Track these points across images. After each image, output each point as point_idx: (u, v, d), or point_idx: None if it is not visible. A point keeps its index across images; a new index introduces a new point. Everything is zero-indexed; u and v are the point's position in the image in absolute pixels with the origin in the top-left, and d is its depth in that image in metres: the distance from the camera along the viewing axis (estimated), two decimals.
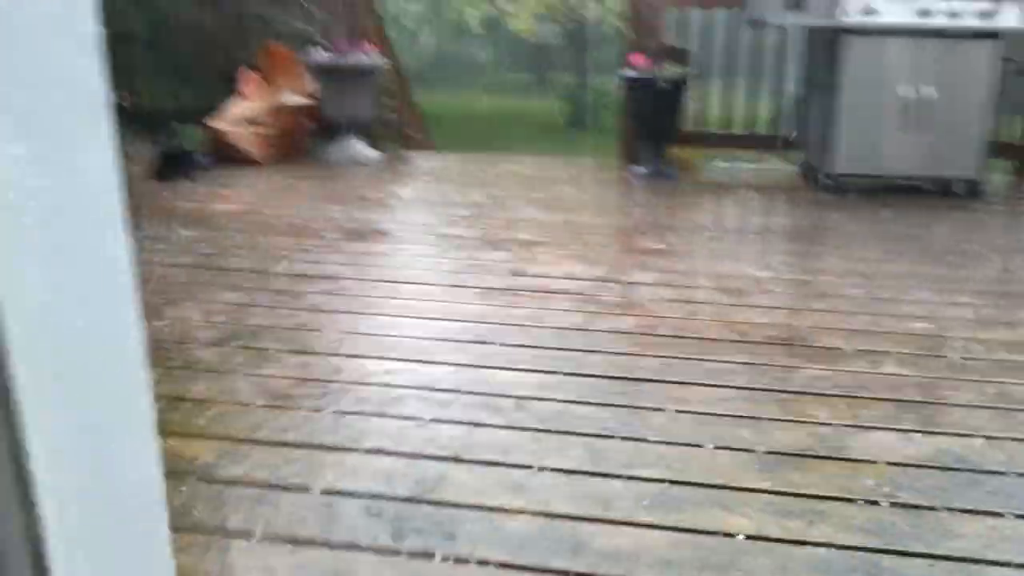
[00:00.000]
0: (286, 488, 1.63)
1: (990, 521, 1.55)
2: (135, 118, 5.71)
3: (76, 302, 0.46)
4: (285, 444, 1.80)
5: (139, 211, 3.65)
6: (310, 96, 5.25)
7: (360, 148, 5.24)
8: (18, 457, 0.41)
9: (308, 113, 5.25)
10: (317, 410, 1.96)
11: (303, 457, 1.75)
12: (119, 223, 0.49)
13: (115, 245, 0.48)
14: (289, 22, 5.59)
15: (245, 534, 1.49)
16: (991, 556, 1.44)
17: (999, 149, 4.86)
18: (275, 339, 2.38)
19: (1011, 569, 1.42)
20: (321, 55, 5.12)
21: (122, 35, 5.83)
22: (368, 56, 5.16)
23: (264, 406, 1.97)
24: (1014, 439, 1.87)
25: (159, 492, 0.54)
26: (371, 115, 5.36)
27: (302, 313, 2.60)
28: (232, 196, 4.24)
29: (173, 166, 4.49)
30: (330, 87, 5.14)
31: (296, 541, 1.47)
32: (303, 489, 1.63)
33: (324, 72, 5.11)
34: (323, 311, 2.62)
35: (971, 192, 4.48)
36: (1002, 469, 1.73)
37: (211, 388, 2.06)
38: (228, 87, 5.44)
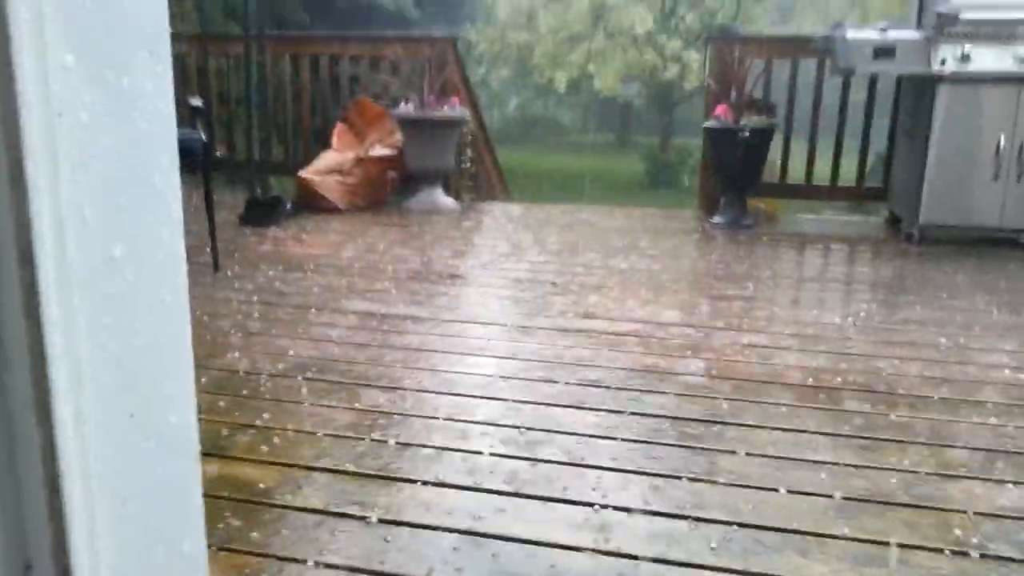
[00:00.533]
0: (343, 516, 1.62)
1: None
2: (230, 169, 6.01)
3: (120, 229, 0.45)
4: (346, 473, 1.80)
5: (225, 252, 3.78)
6: (395, 148, 5.40)
7: (439, 197, 5.34)
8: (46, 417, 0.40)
9: (392, 164, 5.40)
10: (380, 441, 1.95)
11: (363, 487, 1.74)
12: (171, 156, 0.49)
13: (162, 177, 0.48)
14: (381, 80, 5.80)
15: (299, 560, 1.48)
16: None
17: None
18: (343, 373, 2.40)
19: None
20: (408, 109, 5.28)
21: (222, 94, 6.16)
22: (452, 109, 5.29)
23: (328, 435, 1.98)
24: None
25: (195, 443, 0.54)
26: (452, 166, 5.47)
27: (371, 349, 2.62)
28: (313, 241, 4.36)
29: (260, 212, 4.66)
30: (414, 139, 5.27)
31: (351, 569, 1.45)
32: (361, 518, 1.62)
33: (410, 124, 5.25)
34: (392, 348, 2.64)
35: None
36: None
37: (277, 417, 2.09)
38: (322, 143, 5.67)
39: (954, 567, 1.45)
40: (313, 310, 3.05)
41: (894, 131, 4.95)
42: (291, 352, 2.58)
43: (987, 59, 4.15)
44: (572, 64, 20.35)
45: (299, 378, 2.36)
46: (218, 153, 5.92)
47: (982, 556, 1.48)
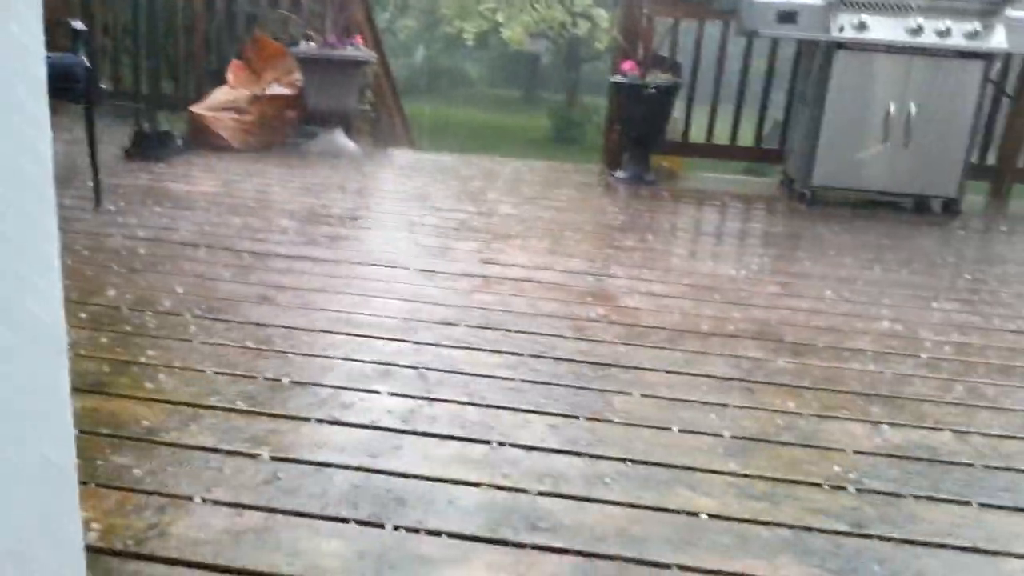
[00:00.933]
0: (233, 453, 1.57)
1: (956, 509, 1.51)
2: (116, 102, 5.65)
3: None
4: (236, 411, 1.74)
5: (108, 187, 3.57)
6: (295, 87, 5.20)
7: (341, 140, 5.19)
8: None
9: (291, 103, 5.20)
10: (273, 380, 1.90)
11: (254, 425, 1.68)
12: (37, 82, 0.43)
13: (34, 104, 0.42)
14: (281, 16, 5.54)
15: (185, 497, 1.42)
16: (954, 541, 1.41)
17: (978, 170, 4.89)
18: (235, 312, 2.31)
19: (975, 554, 1.38)
20: (309, 47, 5.07)
21: (108, 24, 5.77)
22: (356, 49, 5.11)
23: (218, 373, 1.91)
24: (981, 434, 1.83)
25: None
26: (354, 108, 5.31)
27: (266, 288, 2.54)
28: (205, 178, 4.17)
29: (147, 147, 4.42)
30: (315, 78, 5.08)
31: (240, 505, 1.41)
32: (251, 456, 1.57)
33: (311, 63, 5.05)
34: (287, 288, 2.56)
35: (948, 210, 4.49)
36: (969, 461, 1.70)
37: (163, 355, 1.99)
38: (216, 81, 5.39)
39: (832, 500, 1.52)
40: (204, 249, 2.92)
41: (792, 95, 5.09)
42: (179, 290, 2.46)
43: (882, 28, 4.30)
44: (480, 16, 20.03)
45: (187, 316, 2.26)
46: (103, 85, 5.56)
47: (858, 491, 1.56)
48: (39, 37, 0.46)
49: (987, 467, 1.68)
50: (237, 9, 5.62)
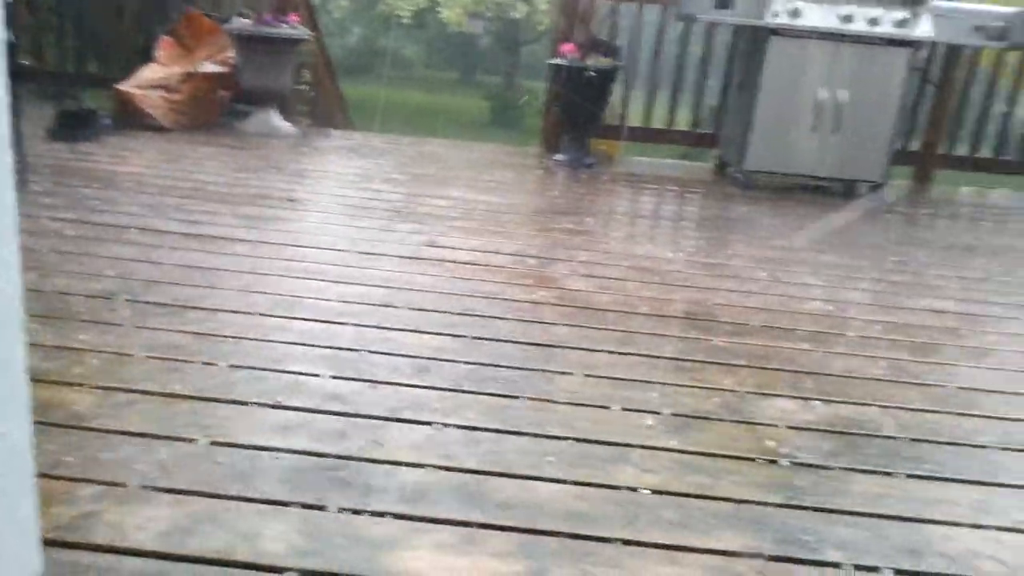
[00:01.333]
0: (171, 439, 1.54)
1: (882, 480, 1.58)
2: (39, 81, 5.42)
3: None
4: (172, 395, 1.70)
5: (32, 167, 3.43)
6: (228, 65, 5.07)
7: (276, 120, 5.09)
8: None
9: (225, 82, 5.07)
10: (210, 364, 1.86)
11: (191, 409, 1.65)
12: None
13: None
14: None
15: (121, 484, 1.39)
16: (881, 511, 1.47)
17: (902, 156, 5.06)
18: (169, 296, 2.26)
19: (900, 522, 1.44)
20: (243, 24, 4.95)
21: (31, 0, 5.52)
22: (292, 27, 5.01)
23: (152, 358, 1.86)
24: (905, 408, 1.91)
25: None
26: (290, 88, 5.21)
27: (202, 271, 2.48)
28: (134, 158, 4.04)
29: (73, 126, 4.26)
30: (250, 57, 4.96)
31: (180, 491, 1.38)
32: (190, 441, 1.54)
33: (245, 41, 4.93)
34: (225, 271, 2.51)
35: (874, 194, 4.64)
36: (894, 434, 1.77)
37: (95, 340, 1.94)
38: (145, 59, 5.21)
39: (766, 474, 1.57)
40: (135, 230, 2.84)
41: (728, 81, 5.18)
42: (110, 273, 2.39)
43: (814, 15, 4.40)
44: None
45: (119, 299, 2.20)
46: (25, 62, 5.33)
47: (791, 464, 1.61)
48: None
49: (910, 440, 1.75)
50: None
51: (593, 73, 4.71)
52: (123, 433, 1.54)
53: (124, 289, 2.27)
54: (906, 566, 1.32)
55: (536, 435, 1.66)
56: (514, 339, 2.15)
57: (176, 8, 5.41)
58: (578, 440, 1.65)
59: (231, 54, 5.08)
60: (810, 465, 1.61)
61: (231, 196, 3.44)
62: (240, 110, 5.16)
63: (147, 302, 2.19)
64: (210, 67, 5.05)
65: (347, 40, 25.34)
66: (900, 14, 4.36)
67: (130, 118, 4.70)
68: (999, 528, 1.44)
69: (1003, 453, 1.74)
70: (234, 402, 1.69)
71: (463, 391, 1.83)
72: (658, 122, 5.37)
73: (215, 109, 5.11)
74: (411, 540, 1.30)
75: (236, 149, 4.52)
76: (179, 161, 4.06)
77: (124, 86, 4.77)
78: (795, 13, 4.37)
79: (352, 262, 2.71)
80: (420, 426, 1.66)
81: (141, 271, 2.43)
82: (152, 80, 4.86)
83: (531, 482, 1.49)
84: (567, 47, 4.87)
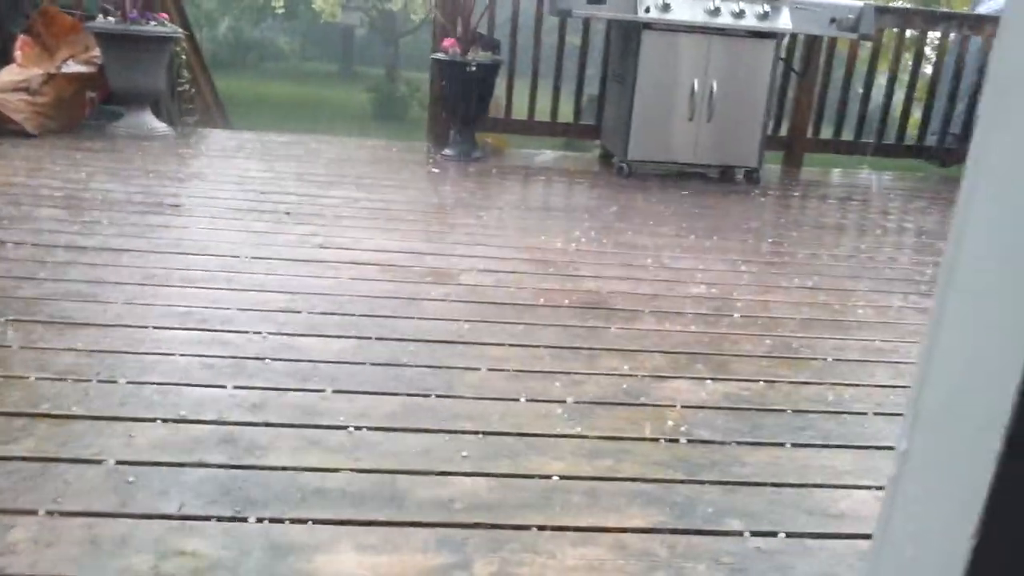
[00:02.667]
0: (75, 461, 1.49)
1: (773, 451, 1.71)
2: None
3: None
4: (71, 417, 1.65)
5: None
6: (93, 64, 4.83)
7: (150, 121, 4.89)
8: None
9: (91, 82, 4.83)
10: (108, 382, 1.81)
11: (94, 430, 1.61)
12: None
13: None
14: None
15: (28, 512, 1.34)
16: (773, 480, 1.59)
17: (773, 141, 5.36)
18: (53, 313, 2.17)
19: (791, 488, 1.57)
20: (108, 22, 4.72)
21: None
22: (160, 24, 4.82)
23: (44, 379, 1.79)
24: (789, 381, 2.06)
25: None
26: (163, 87, 5.02)
27: (84, 285, 2.39)
28: (0, 168, 3.81)
29: None
30: (117, 56, 4.75)
31: (93, 514, 1.35)
32: (96, 462, 1.50)
33: (111, 40, 4.71)
34: (108, 283, 2.42)
35: (750, 179, 4.90)
36: (781, 407, 1.91)
37: None
38: (2, 59, 4.89)
39: (668, 453, 1.67)
40: (10, 245, 2.69)
41: (605, 73, 5.33)
42: None
43: (683, 10, 4.59)
44: None
45: (1, 319, 2.09)
46: None
47: (689, 441, 1.72)
48: None
49: (796, 411, 1.90)
50: None
51: (475, 67, 4.76)
52: (26, 459, 1.48)
53: (6, 308, 2.16)
54: (798, 529, 1.44)
55: (448, 431, 1.70)
56: (418, 338, 2.18)
57: (30, 4, 5.11)
58: (488, 433, 1.70)
59: (96, 53, 4.85)
60: (707, 441, 1.72)
61: (109, 203, 3.30)
62: (111, 111, 4.94)
63: (33, 321, 2.10)
64: (74, 67, 4.81)
65: (216, 32, 24.44)
66: (761, 8, 4.61)
67: None
68: (878, 488, 1.59)
69: (878, 418, 1.90)
70: (138, 419, 1.66)
71: (372, 393, 1.85)
72: (542, 113, 5.47)
73: (83, 111, 4.87)
74: (334, 544, 1.32)
75: (110, 153, 4.32)
76: (49, 168, 3.86)
77: None
78: (665, 8, 4.54)
79: (246, 268, 2.66)
80: (333, 431, 1.67)
81: (22, 289, 2.32)
82: (12, 83, 4.58)
83: (447, 477, 1.53)
84: (448, 42, 4.90)
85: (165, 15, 4.95)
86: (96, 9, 4.92)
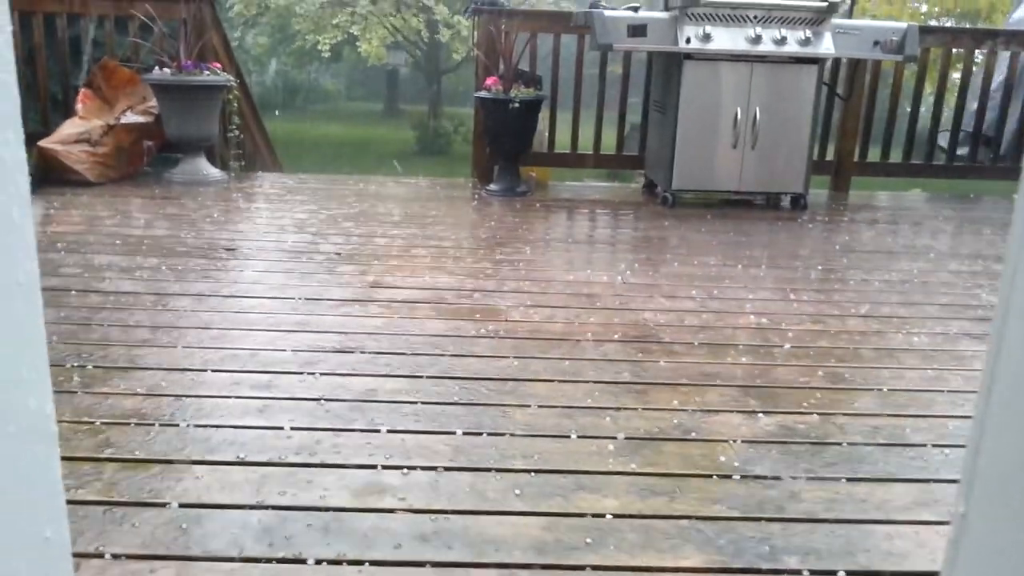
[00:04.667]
0: (139, 505, 1.54)
1: (830, 486, 1.68)
2: None
3: None
4: (135, 460, 1.70)
5: None
6: (150, 114, 5.02)
7: (204, 167, 5.05)
8: None
9: (148, 132, 5.01)
10: (170, 425, 1.86)
11: (158, 473, 1.66)
12: (17, 131, 0.45)
13: (6, 149, 0.45)
14: (129, 42, 5.32)
15: (94, 555, 1.39)
16: (831, 516, 1.57)
17: (819, 166, 5.31)
18: (118, 358, 2.25)
19: (850, 524, 1.54)
20: (164, 73, 4.91)
21: None
22: (213, 73, 4.99)
23: (108, 423, 1.86)
24: (844, 413, 2.03)
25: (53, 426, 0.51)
26: (216, 134, 5.18)
27: (145, 330, 2.47)
28: (63, 217, 3.97)
29: None
30: (173, 106, 4.93)
31: (155, 557, 1.39)
32: (158, 505, 1.54)
33: (167, 90, 4.90)
34: (171, 328, 2.50)
35: (796, 205, 4.86)
36: (837, 440, 1.88)
37: None
38: (62, 110, 5.12)
39: (722, 489, 1.66)
40: (74, 292, 2.80)
41: (647, 104, 5.36)
42: (54, 338, 2.36)
43: (724, 39, 4.60)
44: (336, 28, 19.77)
45: (67, 366, 2.17)
46: None
47: (743, 477, 1.70)
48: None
49: (852, 444, 1.87)
50: (80, 35, 5.36)
51: (518, 104, 4.82)
52: (91, 503, 1.54)
53: (72, 355, 2.24)
54: (858, 567, 1.42)
55: (500, 470, 1.71)
56: (468, 375, 2.21)
57: (91, 58, 5.33)
58: (540, 471, 1.71)
59: (153, 103, 5.04)
60: (762, 477, 1.70)
61: (167, 249, 3.41)
62: (168, 159, 5.11)
63: (97, 366, 2.18)
64: (132, 118, 5.00)
65: (265, 77, 25.15)
66: (803, 34, 4.60)
67: (54, 174, 4.61)
68: (940, 523, 1.55)
69: (937, 450, 1.86)
70: (199, 462, 1.70)
71: (425, 432, 1.87)
72: (585, 145, 5.51)
73: (141, 160, 5.05)
74: None
75: (167, 200, 4.47)
76: (110, 216, 4.00)
77: (46, 143, 4.68)
78: (706, 38, 4.56)
79: (299, 309, 2.72)
80: (387, 471, 1.70)
81: (85, 335, 2.41)
82: (74, 135, 4.78)
83: (501, 516, 1.54)
84: (491, 80, 4.98)
85: (217, 64, 5.12)
86: (152, 61, 5.12)
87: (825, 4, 4.57)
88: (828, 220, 4.72)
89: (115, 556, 1.39)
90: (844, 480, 1.70)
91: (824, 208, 5.03)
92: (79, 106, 5.02)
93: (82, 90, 5.10)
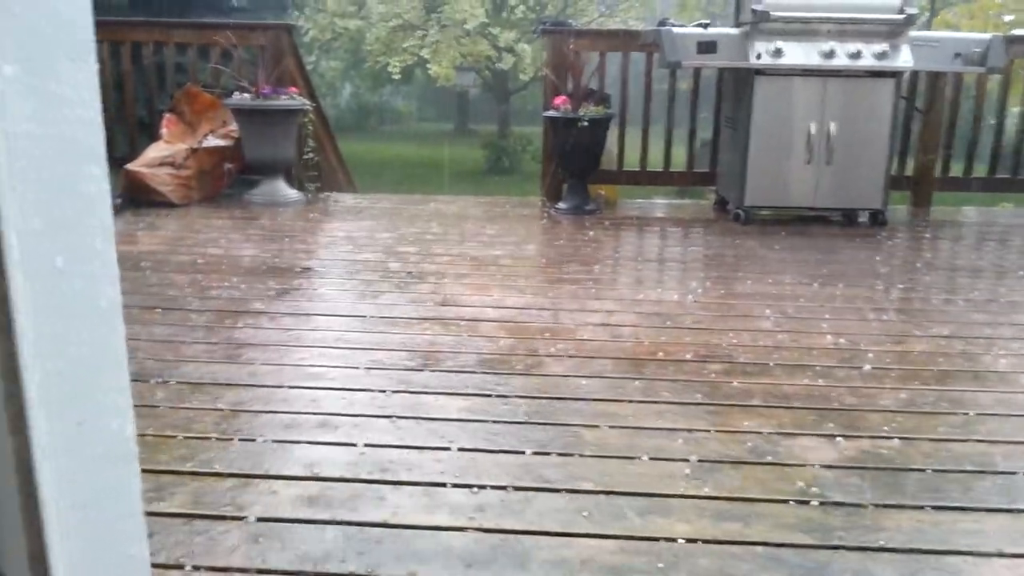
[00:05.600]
0: (218, 518, 1.58)
1: (913, 514, 1.62)
2: None
3: (54, 235, 0.45)
4: (215, 474, 1.75)
5: None
6: (231, 138, 5.20)
7: (282, 189, 5.20)
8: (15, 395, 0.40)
9: (229, 155, 5.19)
10: (248, 440, 1.91)
11: (236, 486, 1.70)
12: (101, 165, 0.48)
13: (92, 183, 0.47)
14: (210, 68, 5.54)
15: (175, 567, 1.43)
16: (914, 546, 1.51)
17: (898, 181, 5.16)
18: (199, 374, 2.32)
19: (933, 555, 1.48)
20: (243, 98, 5.09)
21: None
22: (290, 98, 5.15)
23: (190, 438, 1.92)
24: (928, 438, 1.96)
25: (132, 437, 0.53)
26: (293, 157, 5.33)
27: (225, 348, 2.54)
28: (148, 237, 4.14)
29: None
30: (252, 129, 5.10)
31: (232, 570, 1.43)
32: (237, 519, 1.58)
33: (246, 114, 5.07)
34: (247, 344, 2.57)
35: (875, 221, 4.72)
36: (919, 466, 1.81)
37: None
38: (147, 134, 5.35)
39: (799, 515, 1.61)
40: (159, 310, 2.91)
41: (718, 120, 5.30)
42: (139, 354, 2.45)
43: (796, 53, 4.52)
44: (406, 51, 20.19)
45: (151, 382, 2.25)
46: None
47: (821, 503, 1.65)
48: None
49: (936, 471, 1.80)
50: (165, 62, 5.60)
51: (586, 123, 4.83)
52: (171, 515, 1.59)
53: (155, 371, 2.33)
54: None
55: (570, 491, 1.70)
56: (537, 394, 2.21)
57: (174, 84, 5.56)
58: (610, 493, 1.69)
59: (233, 127, 5.22)
60: (841, 504, 1.65)
61: (247, 268, 3.52)
62: (247, 180, 5.28)
63: (179, 382, 2.25)
64: (214, 141, 5.19)
65: (339, 100, 25.80)
66: (880, 47, 4.48)
67: (139, 196, 4.81)
68: None
69: None
70: (275, 476, 1.74)
71: (493, 451, 1.87)
72: (655, 162, 5.47)
73: (221, 181, 5.23)
74: None
75: (246, 220, 4.62)
76: (192, 236, 4.15)
77: (133, 166, 4.89)
78: (777, 53, 4.49)
79: (372, 327, 2.77)
80: (457, 489, 1.70)
81: (170, 351, 2.50)
82: (159, 158, 4.99)
83: (570, 539, 1.53)
84: (559, 99, 5.00)
85: (294, 88, 5.28)
86: (232, 86, 5.30)
87: (902, 17, 4.46)
88: (909, 237, 4.58)
89: (195, 567, 1.42)
90: (929, 508, 1.64)
91: (904, 224, 4.88)
92: (163, 130, 5.24)
93: (166, 115, 5.33)
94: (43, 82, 0.44)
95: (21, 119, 0.41)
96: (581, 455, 1.86)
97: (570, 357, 2.51)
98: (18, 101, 0.41)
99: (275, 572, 1.42)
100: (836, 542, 1.51)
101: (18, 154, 0.41)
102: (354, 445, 1.89)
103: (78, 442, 0.46)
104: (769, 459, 1.84)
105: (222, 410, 2.07)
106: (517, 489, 1.71)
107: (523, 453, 1.86)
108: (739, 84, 4.78)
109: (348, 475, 1.75)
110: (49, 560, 0.41)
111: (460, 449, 1.88)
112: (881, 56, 4.49)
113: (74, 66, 0.46)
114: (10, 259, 0.39)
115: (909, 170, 5.39)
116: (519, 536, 1.53)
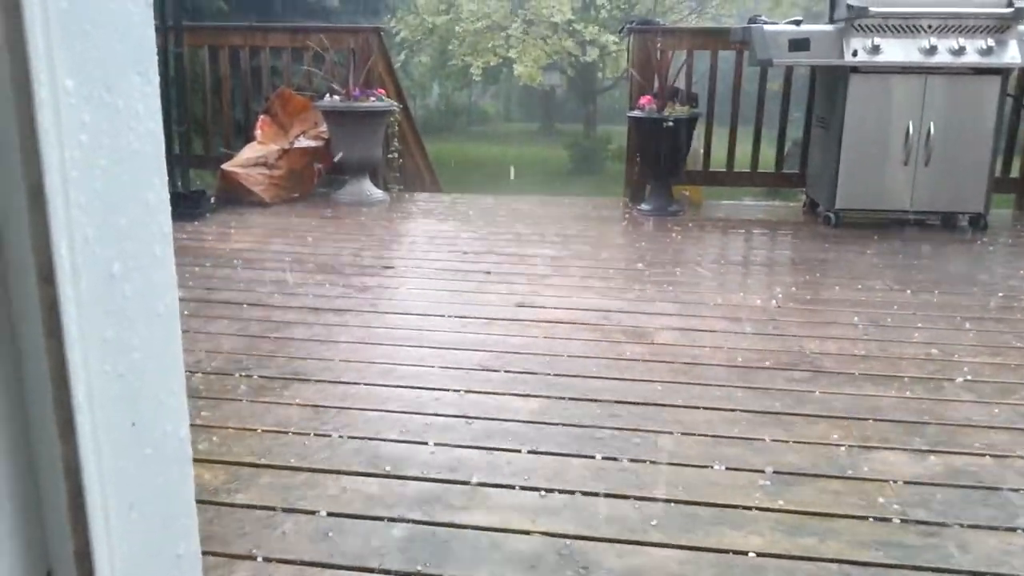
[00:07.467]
0: (291, 511, 1.63)
1: (1003, 536, 1.53)
2: None
3: (111, 243, 0.46)
4: (291, 468, 1.80)
5: None
6: (321, 139, 5.34)
7: (368, 188, 5.31)
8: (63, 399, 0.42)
9: (318, 155, 5.33)
10: (323, 436, 1.96)
11: (309, 481, 1.75)
12: (162, 175, 0.50)
13: (152, 192, 0.49)
14: (303, 71, 5.71)
15: (247, 557, 1.48)
16: (1003, 570, 1.42)
17: (1003, 183, 4.89)
18: (280, 369, 2.39)
19: None
20: (333, 100, 5.22)
21: None
22: (378, 99, 5.25)
23: (269, 431, 1.98)
24: (1023, 458, 1.85)
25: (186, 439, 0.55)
26: (380, 157, 5.44)
27: (307, 343, 2.61)
28: (239, 235, 4.29)
29: (183, 207, 4.55)
30: (341, 130, 5.22)
31: (302, 563, 1.46)
32: (308, 513, 1.62)
33: (336, 116, 5.20)
34: (328, 341, 2.63)
35: (976, 225, 4.49)
36: (1014, 486, 1.72)
37: (215, 415, 2.06)
38: (243, 136, 5.55)
39: (878, 533, 1.55)
40: (245, 305, 3.01)
41: (810, 119, 5.13)
42: (225, 348, 2.54)
43: (895, 50, 4.34)
44: (491, 51, 20.31)
45: (236, 375, 2.33)
46: None
47: (903, 521, 1.58)
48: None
49: None
50: (260, 63, 5.79)
51: (672, 123, 4.76)
52: (247, 507, 1.64)
53: (240, 365, 2.41)
54: None
55: (639, 498, 1.68)
56: (612, 398, 2.18)
57: (269, 87, 5.75)
58: (681, 502, 1.66)
59: (323, 128, 5.36)
60: (925, 522, 1.58)
61: (332, 266, 3.61)
62: (335, 180, 5.42)
63: (261, 375, 2.32)
64: (304, 142, 5.33)
65: (428, 100, 26.18)
66: (985, 42, 4.26)
67: (234, 195, 4.99)
68: None
69: None
70: (349, 473, 1.78)
71: (564, 455, 1.87)
72: (742, 163, 5.35)
73: (311, 181, 5.38)
74: None
75: (333, 219, 4.73)
76: (281, 235, 4.28)
77: (229, 166, 5.08)
78: (875, 50, 4.32)
79: (449, 327, 2.80)
80: (526, 492, 1.70)
81: (254, 346, 2.58)
82: (253, 158, 5.16)
83: (637, 547, 1.51)
84: (645, 99, 4.93)
85: (383, 90, 5.38)
86: (324, 88, 5.45)
87: (1010, 11, 4.22)
88: (1012, 242, 4.34)
89: (266, 559, 1.47)
90: (1020, 531, 1.54)
91: (1007, 229, 4.62)
92: (257, 132, 5.42)
93: (261, 116, 5.51)
94: (112, 96, 0.46)
95: (80, 129, 0.43)
96: (653, 462, 1.84)
97: (646, 361, 2.47)
98: (83, 114, 0.43)
99: (342, 567, 1.44)
100: (917, 563, 1.45)
101: (75, 163, 0.43)
102: (425, 444, 1.91)
103: (130, 444, 0.48)
104: (850, 473, 1.77)
105: (300, 404, 2.13)
106: (585, 494, 1.69)
107: (593, 458, 1.85)
108: (833, 82, 4.62)
109: (418, 474, 1.77)
110: (94, 559, 0.43)
111: (530, 452, 1.88)
112: (987, 52, 4.26)
113: (141, 80, 0.48)
114: (60, 267, 0.40)
115: (1014, 171, 5.11)
116: (584, 542, 1.52)
